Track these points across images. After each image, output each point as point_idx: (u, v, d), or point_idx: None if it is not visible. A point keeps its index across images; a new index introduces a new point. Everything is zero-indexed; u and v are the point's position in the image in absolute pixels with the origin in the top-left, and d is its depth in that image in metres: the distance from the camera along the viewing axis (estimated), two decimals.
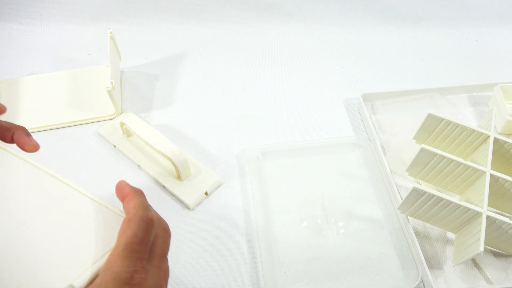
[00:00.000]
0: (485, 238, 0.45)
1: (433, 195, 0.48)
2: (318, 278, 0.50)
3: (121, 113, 0.67)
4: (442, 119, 0.55)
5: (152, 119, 0.68)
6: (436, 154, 0.52)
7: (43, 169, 0.35)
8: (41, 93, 0.70)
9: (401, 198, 0.54)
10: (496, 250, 0.54)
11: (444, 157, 0.52)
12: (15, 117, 0.66)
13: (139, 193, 0.33)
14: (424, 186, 0.50)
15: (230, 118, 0.68)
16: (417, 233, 0.55)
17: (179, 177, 0.58)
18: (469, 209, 0.48)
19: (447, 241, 0.54)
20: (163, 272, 0.32)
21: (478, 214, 0.48)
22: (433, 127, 0.57)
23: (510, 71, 0.79)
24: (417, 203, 0.50)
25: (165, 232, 0.34)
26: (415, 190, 0.48)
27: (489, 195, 0.49)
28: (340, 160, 0.62)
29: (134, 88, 0.73)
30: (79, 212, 0.33)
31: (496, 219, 0.47)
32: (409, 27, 0.87)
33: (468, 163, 0.52)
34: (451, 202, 0.48)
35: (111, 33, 0.66)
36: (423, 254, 0.51)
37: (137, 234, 0.30)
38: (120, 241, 0.30)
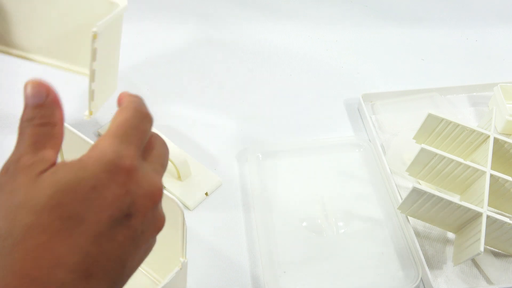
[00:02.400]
0: (485, 238, 0.45)
1: (433, 195, 0.48)
2: (318, 278, 0.50)
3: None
4: (442, 119, 0.55)
5: None
6: (436, 154, 0.52)
7: None
8: None
9: (401, 198, 0.54)
10: (496, 250, 0.54)
11: (444, 157, 0.52)
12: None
13: (136, 95, 0.29)
14: (424, 186, 0.50)
15: (230, 118, 0.68)
16: (417, 233, 0.55)
17: (179, 177, 0.58)
18: (469, 209, 0.48)
19: (447, 241, 0.54)
20: (159, 189, 0.26)
21: (478, 214, 0.48)
22: (433, 127, 0.57)
23: (510, 71, 0.79)
24: (417, 203, 0.50)
25: (164, 146, 0.30)
26: (415, 190, 0.48)
27: (489, 195, 0.49)
28: (340, 160, 0.62)
29: (134, 88, 0.73)
30: None
31: (496, 219, 0.47)
32: (409, 27, 0.87)
33: (468, 163, 0.52)
34: (451, 202, 0.48)
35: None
36: (423, 254, 0.51)
37: (130, 119, 0.26)
38: (110, 126, 0.26)
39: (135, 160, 0.25)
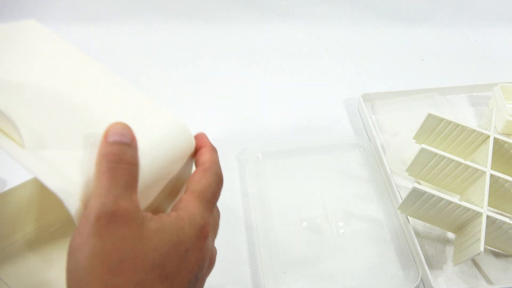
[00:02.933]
0: (485, 238, 0.45)
1: (433, 195, 0.48)
2: (318, 278, 0.50)
3: None
4: (442, 119, 0.55)
5: None
6: (436, 154, 0.52)
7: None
8: None
9: (401, 198, 0.54)
10: (496, 250, 0.54)
11: (444, 157, 0.52)
12: None
13: (215, 150, 0.32)
14: (424, 186, 0.50)
15: (230, 118, 0.68)
16: (417, 233, 0.55)
17: None
18: (469, 209, 0.48)
19: (447, 241, 0.54)
20: (215, 258, 0.30)
21: (478, 214, 0.48)
22: (433, 127, 0.57)
23: (510, 71, 0.79)
24: (417, 203, 0.50)
25: (219, 215, 0.33)
26: (415, 190, 0.48)
27: (489, 195, 0.49)
28: (340, 160, 0.62)
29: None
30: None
31: (496, 219, 0.47)
32: (409, 27, 0.87)
33: (468, 163, 0.52)
34: (451, 202, 0.48)
35: None
36: (423, 254, 0.51)
37: (212, 185, 0.29)
38: (195, 187, 0.28)
39: (209, 228, 0.27)
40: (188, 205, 0.27)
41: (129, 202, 0.24)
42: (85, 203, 0.24)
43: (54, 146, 0.26)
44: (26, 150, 0.25)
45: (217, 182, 0.30)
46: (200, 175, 0.29)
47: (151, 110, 0.29)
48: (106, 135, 0.26)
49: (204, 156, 0.31)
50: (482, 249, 0.44)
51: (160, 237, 0.24)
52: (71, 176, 0.25)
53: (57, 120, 0.28)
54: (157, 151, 0.28)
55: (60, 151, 0.26)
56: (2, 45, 0.32)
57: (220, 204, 0.57)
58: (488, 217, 0.47)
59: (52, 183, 0.24)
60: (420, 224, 0.56)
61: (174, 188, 0.31)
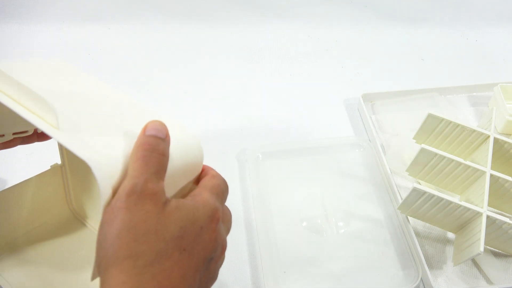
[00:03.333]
0: (485, 238, 0.45)
1: (433, 195, 0.48)
2: (318, 278, 0.50)
3: None
4: (442, 119, 0.55)
5: None
6: (436, 154, 0.52)
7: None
8: None
9: (401, 198, 0.54)
10: (496, 250, 0.54)
11: (444, 157, 0.52)
12: None
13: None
14: (424, 186, 0.50)
15: (230, 118, 0.68)
16: (417, 233, 0.55)
17: None
18: (469, 209, 0.48)
19: (447, 241, 0.54)
20: (226, 245, 0.33)
21: (478, 214, 0.48)
22: (433, 127, 0.57)
23: (510, 71, 0.79)
24: (417, 203, 0.50)
25: (231, 216, 0.37)
26: (415, 190, 0.48)
27: (489, 195, 0.49)
28: (340, 160, 0.62)
29: (135, 87, 0.73)
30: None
31: (496, 219, 0.47)
32: (409, 27, 0.87)
33: (468, 163, 0.52)
34: (451, 202, 0.48)
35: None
36: (423, 254, 0.51)
37: (221, 185, 0.33)
38: (206, 184, 0.33)
39: (220, 218, 0.31)
40: (201, 192, 0.31)
41: (156, 185, 0.27)
42: (115, 182, 0.27)
43: (88, 132, 0.30)
44: (61, 131, 0.29)
45: (225, 185, 0.34)
46: (210, 177, 0.34)
47: (172, 122, 0.33)
48: (145, 129, 0.30)
49: (211, 170, 0.36)
50: (482, 249, 0.44)
51: (179, 213, 0.28)
52: (103, 155, 0.28)
53: (90, 117, 0.33)
54: (179, 153, 0.32)
55: (93, 136, 0.30)
56: (47, 69, 0.39)
57: None
58: (488, 217, 0.47)
59: (86, 156, 0.27)
60: (420, 224, 0.56)
61: (185, 191, 0.34)
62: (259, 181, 0.59)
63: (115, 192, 0.27)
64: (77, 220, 0.50)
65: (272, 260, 0.51)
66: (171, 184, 0.31)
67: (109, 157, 0.28)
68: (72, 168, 0.48)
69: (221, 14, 0.87)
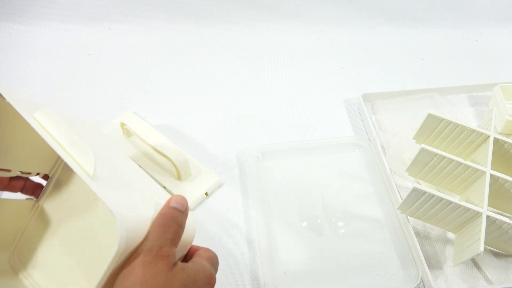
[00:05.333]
0: (485, 238, 0.45)
1: (433, 195, 0.48)
2: (318, 278, 0.50)
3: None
4: (442, 119, 0.55)
5: (152, 119, 0.68)
6: (436, 154, 0.52)
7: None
8: None
9: (401, 198, 0.54)
10: (496, 250, 0.54)
11: (444, 157, 0.52)
12: None
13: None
14: (424, 186, 0.50)
15: (230, 118, 0.68)
16: (417, 233, 0.55)
17: (179, 178, 0.58)
18: (469, 209, 0.48)
19: (447, 241, 0.54)
20: None
21: (478, 214, 0.48)
22: (433, 127, 0.57)
23: (510, 71, 0.79)
24: (417, 203, 0.50)
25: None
26: (415, 190, 0.48)
27: (489, 195, 0.49)
28: (340, 160, 0.62)
29: (135, 88, 0.73)
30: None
31: (496, 219, 0.47)
32: (409, 27, 0.87)
33: (468, 163, 0.52)
34: (451, 202, 0.48)
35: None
36: (423, 254, 0.51)
37: (214, 258, 0.39)
38: (203, 254, 0.38)
39: (215, 282, 0.37)
40: (200, 260, 0.37)
41: (170, 250, 0.33)
42: (132, 240, 0.32)
43: (115, 190, 0.35)
44: (94, 180, 0.33)
45: (217, 258, 0.39)
46: (205, 250, 0.39)
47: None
48: (169, 200, 0.36)
49: (204, 247, 0.41)
50: (482, 249, 0.44)
51: (184, 274, 0.33)
52: (128, 214, 0.32)
53: (117, 176, 0.38)
54: (187, 227, 0.38)
55: (120, 194, 0.34)
56: (78, 123, 0.43)
57: (220, 204, 0.57)
58: (488, 217, 0.47)
59: (115, 209, 0.30)
60: (420, 224, 0.56)
61: (181, 258, 0.40)
62: (259, 181, 0.59)
63: (130, 249, 0.31)
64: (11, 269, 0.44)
65: (272, 260, 0.51)
66: (178, 251, 0.36)
67: (132, 216, 0.32)
68: (47, 211, 0.46)
69: (221, 14, 0.87)
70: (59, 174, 0.47)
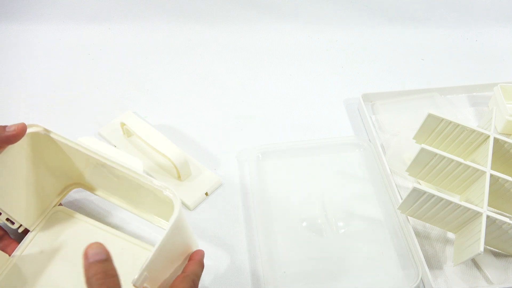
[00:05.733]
0: (485, 238, 0.45)
1: (433, 195, 0.48)
2: (318, 278, 0.50)
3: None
4: (442, 119, 0.55)
5: (152, 119, 0.68)
6: (436, 154, 0.52)
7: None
8: None
9: (401, 198, 0.54)
10: (496, 250, 0.54)
11: (444, 157, 0.52)
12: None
13: (202, 265, 0.43)
14: (424, 186, 0.50)
15: (230, 118, 0.68)
16: (417, 233, 0.55)
17: (179, 178, 0.58)
18: (469, 209, 0.48)
19: (447, 241, 0.54)
20: None
21: (478, 214, 0.48)
22: (433, 127, 0.57)
23: (510, 71, 0.79)
24: (417, 203, 0.50)
25: None
26: (415, 190, 0.48)
27: (489, 195, 0.49)
28: (340, 160, 0.62)
29: (135, 88, 0.73)
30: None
31: (496, 219, 0.47)
32: (409, 27, 0.87)
33: (468, 163, 0.52)
34: (451, 202, 0.48)
35: None
36: (423, 254, 0.51)
37: (200, 271, 0.41)
38: (191, 269, 0.40)
39: None
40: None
41: None
42: None
43: None
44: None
45: (202, 268, 0.42)
46: (179, 280, 0.39)
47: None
48: (86, 256, 0.32)
49: (188, 266, 0.42)
50: (482, 249, 0.44)
51: None
52: None
53: None
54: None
55: None
56: None
57: (220, 204, 0.57)
58: (488, 217, 0.47)
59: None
60: (420, 224, 0.56)
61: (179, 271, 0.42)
62: (259, 181, 0.59)
63: None
64: None
65: (272, 260, 0.52)
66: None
67: None
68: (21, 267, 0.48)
69: (221, 14, 0.87)
70: (38, 230, 0.49)
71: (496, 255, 0.53)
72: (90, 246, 0.32)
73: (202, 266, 0.43)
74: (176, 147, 0.57)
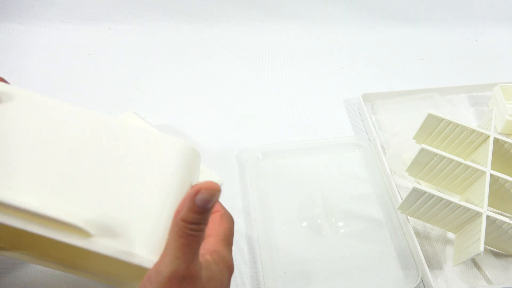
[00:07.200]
0: (485, 238, 0.45)
1: (433, 195, 0.48)
2: (318, 278, 0.50)
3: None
4: (442, 119, 0.55)
5: (152, 119, 0.68)
6: (436, 154, 0.52)
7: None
8: None
9: (401, 198, 0.54)
10: (496, 250, 0.54)
11: (444, 157, 0.52)
12: None
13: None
14: (424, 186, 0.50)
15: (230, 118, 0.68)
16: (417, 233, 0.55)
17: None
18: (469, 209, 0.48)
19: (447, 241, 0.54)
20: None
21: (478, 214, 0.48)
22: (433, 127, 0.57)
23: (510, 71, 0.79)
24: (417, 203, 0.50)
25: None
26: (415, 190, 0.48)
27: (489, 195, 0.49)
28: (340, 160, 0.62)
29: (135, 88, 0.73)
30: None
31: (496, 219, 0.47)
32: (409, 27, 0.87)
33: (468, 163, 0.52)
34: (451, 202, 0.48)
35: None
36: (423, 254, 0.51)
37: (231, 229, 0.34)
38: (219, 231, 0.33)
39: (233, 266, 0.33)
40: (220, 251, 0.32)
41: (196, 266, 0.28)
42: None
43: (113, 221, 0.30)
44: (95, 237, 0.28)
45: (233, 222, 0.35)
46: (219, 218, 0.34)
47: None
48: (192, 196, 0.29)
49: (220, 208, 0.36)
50: (482, 249, 0.44)
51: (211, 285, 0.30)
52: (141, 244, 0.29)
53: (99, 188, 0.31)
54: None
55: (121, 222, 0.30)
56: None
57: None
58: (488, 217, 0.47)
59: (131, 259, 0.28)
60: (420, 224, 0.56)
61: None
62: (259, 181, 0.59)
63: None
64: None
65: (272, 260, 0.51)
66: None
67: (147, 239, 0.29)
68: None
69: (221, 14, 0.87)
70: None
71: (496, 255, 0.53)
72: (204, 186, 0.29)
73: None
74: None
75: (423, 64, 0.80)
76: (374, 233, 0.54)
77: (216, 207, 0.35)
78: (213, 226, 0.33)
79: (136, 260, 0.28)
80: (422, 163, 0.54)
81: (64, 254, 0.35)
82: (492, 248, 0.54)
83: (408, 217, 0.54)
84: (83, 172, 0.32)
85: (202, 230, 0.29)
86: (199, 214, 0.28)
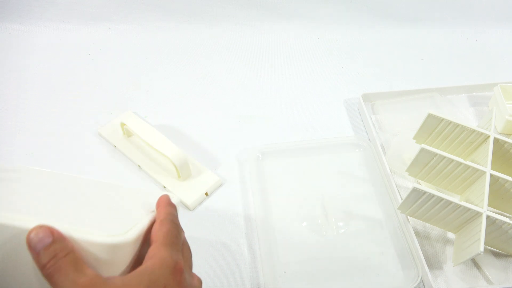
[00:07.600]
0: (485, 238, 0.45)
1: (433, 195, 0.48)
2: (318, 278, 0.50)
3: None
4: (442, 119, 0.55)
5: (152, 119, 0.68)
6: (436, 154, 0.52)
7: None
8: None
9: (401, 198, 0.54)
10: (496, 250, 0.54)
11: (444, 157, 0.52)
12: None
13: (173, 205, 0.37)
14: (424, 186, 0.50)
15: (230, 118, 0.68)
16: (417, 233, 0.55)
17: (179, 177, 0.58)
18: (469, 209, 0.48)
19: (447, 241, 0.54)
20: (198, 282, 0.35)
21: (478, 214, 0.48)
22: (433, 127, 0.57)
23: (510, 71, 0.79)
24: (417, 203, 0.50)
25: (189, 249, 0.37)
26: (415, 190, 0.48)
27: (489, 195, 0.49)
28: (340, 160, 0.62)
29: (135, 88, 0.73)
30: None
31: (496, 219, 0.47)
32: (409, 27, 0.87)
33: (468, 163, 0.52)
34: (451, 202, 0.48)
35: None
36: (423, 254, 0.51)
37: (171, 230, 0.34)
38: (157, 236, 0.33)
39: (182, 263, 0.32)
40: (156, 252, 0.32)
41: (85, 278, 0.28)
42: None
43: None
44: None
45: (175, 227, 0.35)
46: (158, 225, 0.34)
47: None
48: (30, 246, 0.29)
49: (160, 211, 0.36)
50: (482, 249, 0.44)
51: (135, 280, 0.29)
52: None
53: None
54: None
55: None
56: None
57: (220, 204, 0.57)
58: (488, 217, 0.47)
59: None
60: (420, 224, 0.56)
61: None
62: (259, 181, 0.59)
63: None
64: None
65: (272, 260, 0.51)
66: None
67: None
68: None
69: (221, 14, 0.87)
70: None
71: (496, 255, 0.53)
72: (30, 233, 0.29)
73: (173, 206, 0.37)
74: (176, 147, 0.57)
75: (423, 64, 0.80)
76: (374, 233, 0.54)
77: (160, 213, 0.36)
78: (154, 233, 0.34)
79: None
80: (422, 163, 0.54)
81: None
82: (492, 248, 0.54)
83: (408, 217, 0.54)
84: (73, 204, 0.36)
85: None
86: (46, 251, 0.29)
